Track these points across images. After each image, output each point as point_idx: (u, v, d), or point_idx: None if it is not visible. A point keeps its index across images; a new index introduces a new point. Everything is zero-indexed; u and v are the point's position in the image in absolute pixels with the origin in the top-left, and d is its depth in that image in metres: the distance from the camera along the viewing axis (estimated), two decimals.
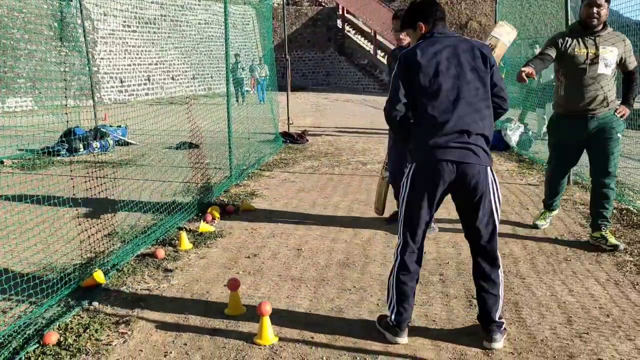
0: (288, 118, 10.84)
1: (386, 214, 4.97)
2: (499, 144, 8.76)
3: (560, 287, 3.49)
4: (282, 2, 13.38)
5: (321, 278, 3.69)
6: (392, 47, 23.08)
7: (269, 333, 2.84)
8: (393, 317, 2.81)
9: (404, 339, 2.80)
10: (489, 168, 2.69)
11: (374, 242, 4.44)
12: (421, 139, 2.69)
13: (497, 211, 2.76)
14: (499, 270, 2.81)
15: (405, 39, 4.38)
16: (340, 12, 25.65)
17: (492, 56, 2.78)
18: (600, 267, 3.82)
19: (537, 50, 10.02)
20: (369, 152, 8.88)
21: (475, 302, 3.23)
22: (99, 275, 3.57)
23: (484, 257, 2.79)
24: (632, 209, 5.19)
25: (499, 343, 2.76)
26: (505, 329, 2.83)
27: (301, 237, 4.57)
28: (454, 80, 2.65)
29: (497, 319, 2.80)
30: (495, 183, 2.73)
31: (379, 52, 23.72)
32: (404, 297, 2.79)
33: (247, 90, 16.38)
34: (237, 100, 15.84)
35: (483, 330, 2.83)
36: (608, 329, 2.93)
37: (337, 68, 25.61)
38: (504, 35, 3.95)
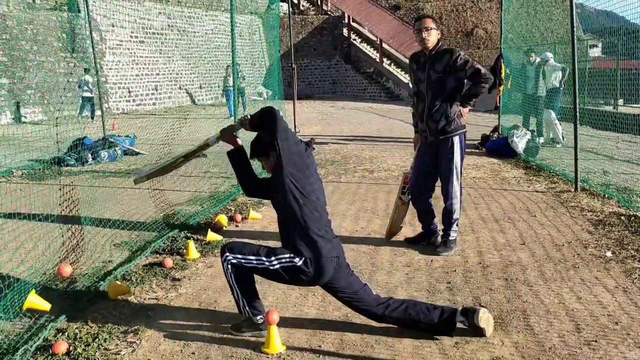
0: (295, 126, 10.88)
1: (400, 237, 4.71)
2: (506, 150, 8.76)
3: (569, 294, 3.48)
4: (288, 12, 13.46)
5: None
6: (397, 54, 23.14)
7: (277, 342, 2.85)
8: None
9: None
10: None
11: (381, 250, 4.44)
12: None
13: None
14: None
15: (429, 38, 4.14)
16: (346, 20, 25.75)
17: None
18: (608, 274, 3.80)
19: (533, 58, 10.10)
20: (375, 160, 8.89)
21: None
22: (117, 289, 3.59)
23: None
24: None
25: None
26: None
27: None
28: None
29: None
30: None
31: (385, 60, 23.76)
32: None
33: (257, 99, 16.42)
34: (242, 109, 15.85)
35: None
36: (617, 337, 2.92)
37: (343, 76, 25.66)
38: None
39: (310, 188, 2.90)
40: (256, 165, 3.14)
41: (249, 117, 3.02)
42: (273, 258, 2.88)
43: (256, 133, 3.05)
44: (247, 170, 3.16)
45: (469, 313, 2.93)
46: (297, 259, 2.85)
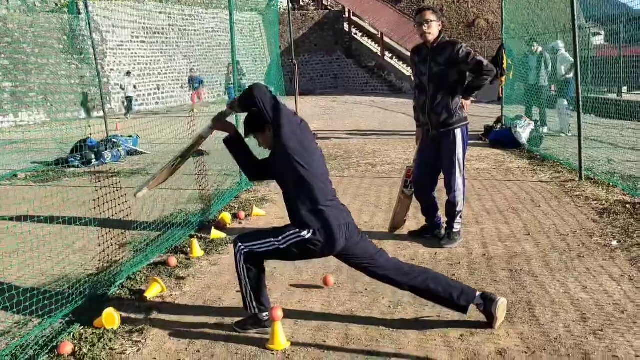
0: None
1: (404, 230, 4.72)
2: (510, 141, 8.72)
3: (574, 284, 3.46)
4: (288, 7, 13.43)
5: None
6: (398, 47, 23.06)
7: (282, 338, 2.85)
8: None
9: None
10: None
11: (385, 244, 4.42)
12: None
13: None
14: None
15: (430, 31, 4.13)
16: (347, 15, 25.67)
17: None
18: (614, 263, 3.78)
19: (535, 47, 10.05)
20: (378, 153, 8.87)
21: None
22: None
23: None
24: None
25: None
26: None
27: None
28: None
29: None
30: None
31: (386, 53, 23.68)
32: None
33: None
34: None
35: None
36: (623, 325, 2.90)
37: (345, 71, 25.59)
38: None
39: (311, 159, 2.87)
40: (252, 142, 3.09)
41: (237, 98, 2.99)
42: (280, 237, 2.88)
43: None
44: (247, 153, 3.13)
45: (488, 300, 2.93)
46: (304, 232, 2.84)
